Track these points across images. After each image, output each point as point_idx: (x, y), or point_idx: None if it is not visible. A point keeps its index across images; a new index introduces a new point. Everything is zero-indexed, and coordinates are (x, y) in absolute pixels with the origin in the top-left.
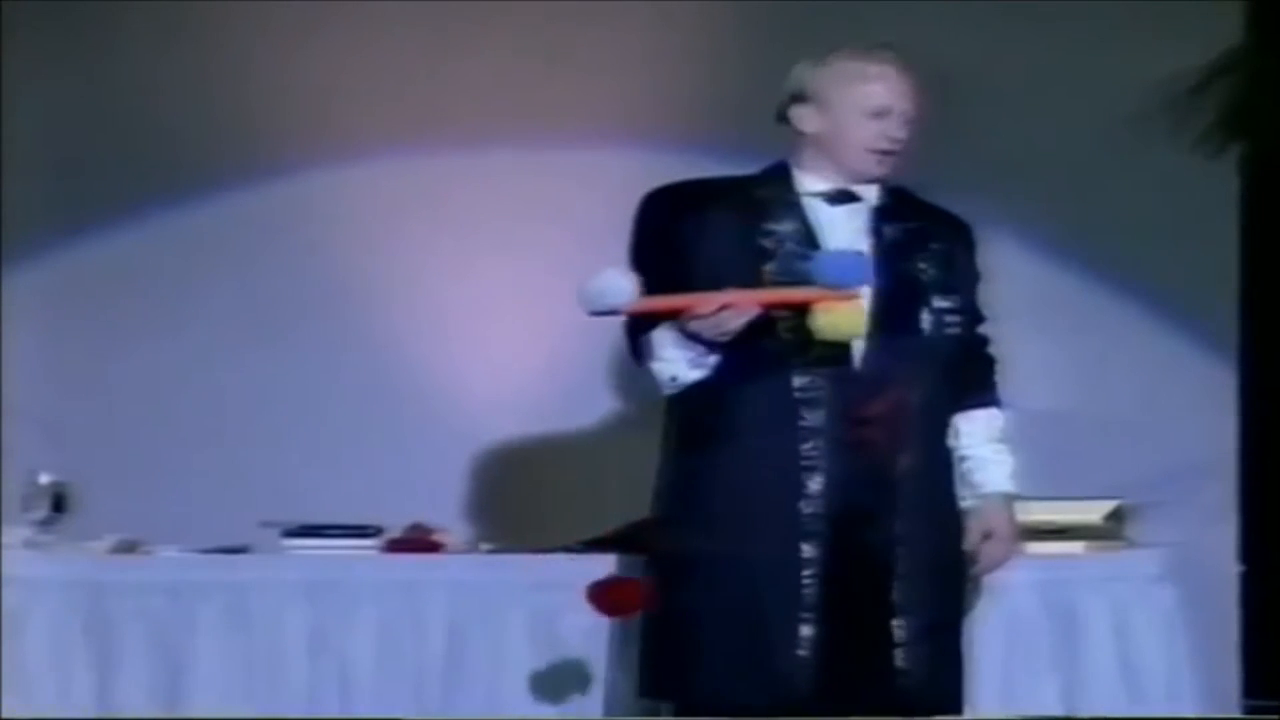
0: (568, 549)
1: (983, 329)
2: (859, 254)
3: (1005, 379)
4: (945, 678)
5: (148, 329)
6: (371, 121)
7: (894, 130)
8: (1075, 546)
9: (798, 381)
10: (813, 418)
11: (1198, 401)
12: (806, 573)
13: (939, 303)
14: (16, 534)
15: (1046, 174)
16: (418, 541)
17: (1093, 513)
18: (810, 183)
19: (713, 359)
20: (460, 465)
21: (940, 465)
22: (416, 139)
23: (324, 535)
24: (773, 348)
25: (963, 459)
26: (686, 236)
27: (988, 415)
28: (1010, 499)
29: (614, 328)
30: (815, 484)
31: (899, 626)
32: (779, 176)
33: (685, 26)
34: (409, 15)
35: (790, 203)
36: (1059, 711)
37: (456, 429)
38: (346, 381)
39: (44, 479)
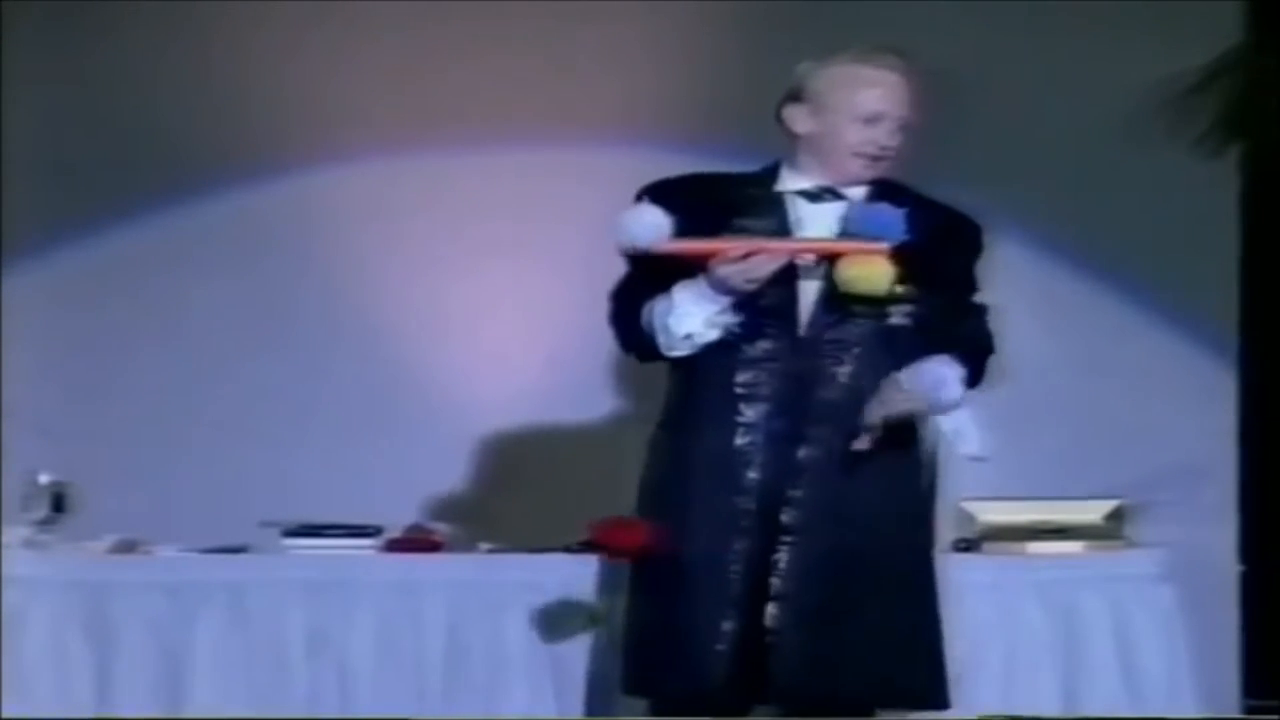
0: (567, 549)
1: (987, 327)
2: (892, 208)
3: (993, 368)
4: (835, 672)
5: (147, 329)
6: (371, 121)
7: (884, 137)
8: (1075, 546)
9: (740, 377)
10: (751, 413)
11: (1198, 401)
12: (734, 567)
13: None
14: (16, 534)
15: (1046, 174)
16: (417, 541)
17: (1093, 513)
18: (795, 180)
19: (727, 319)
20: (460, 465)
21: (858, 459)
22: (416, 139)
23: (324, 535)
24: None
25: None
26: (674, 228)
27: (941, 358)
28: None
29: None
30: (750, 479)
31: (772, 616)
32: (767, 174)
33: (686, 26)
34: (408, 15)
35: (770, 199)
36: (1059, 711)
37: (456, 429)
38: (346, 381)
39: (44, 479)
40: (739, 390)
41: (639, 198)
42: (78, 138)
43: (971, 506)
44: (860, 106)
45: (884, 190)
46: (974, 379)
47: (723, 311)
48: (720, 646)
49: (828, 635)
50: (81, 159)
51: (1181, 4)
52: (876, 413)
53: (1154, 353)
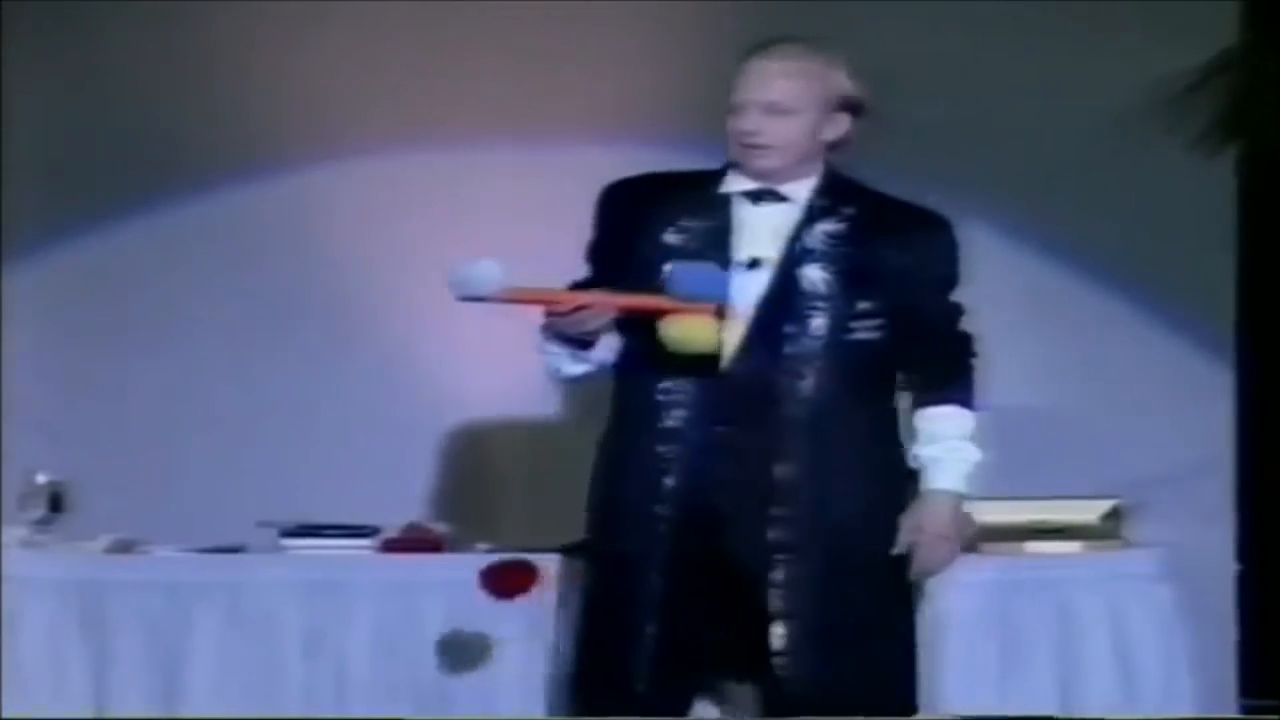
0: (564, 549)
1: (962, 325)
2: (714, 268)
3: (981, 376)
4: (837, 683)
5: (144, 328)
6: (370, 121)
7: (746, 123)
8: (1072, 546)
9: (663, 384)
10: (673, 420)
11: (1195, 401)
12: (655, 573)
13: (855, 305)
14: (13, 533)
15: (1044, 174)
16: (415, 541)
17: (1090, 512)
18: (738, 181)
19: (598, 355)
20: (458, 465)
21: (838, 471)
22: (415, 139)
23: (321, 535)
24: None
25: (914, 458)
26: (621, 229)
27: (945, 413)
28: (954, 498)
29: None
30: (666, 485)
31: (780, 636)
32: (717, 173)
33: (684, 26)
34: (406, 14)
35: (714, 201)
36: (1056, 711)
37: (455, 428)
38: (344, 381)
39: (41, 478)
40: (660, 397)
41: (601, 194)
42: (78, 137)
43: (968, 506)
44: (732, 96)
45: (835, 198)
46: (970, 392)
47: (578, 350)
48: (645, 652)
49: (839, 651)
50: (81, 158)
51: (1179, 4)
52: (920, 573)
53: (1151, 352)
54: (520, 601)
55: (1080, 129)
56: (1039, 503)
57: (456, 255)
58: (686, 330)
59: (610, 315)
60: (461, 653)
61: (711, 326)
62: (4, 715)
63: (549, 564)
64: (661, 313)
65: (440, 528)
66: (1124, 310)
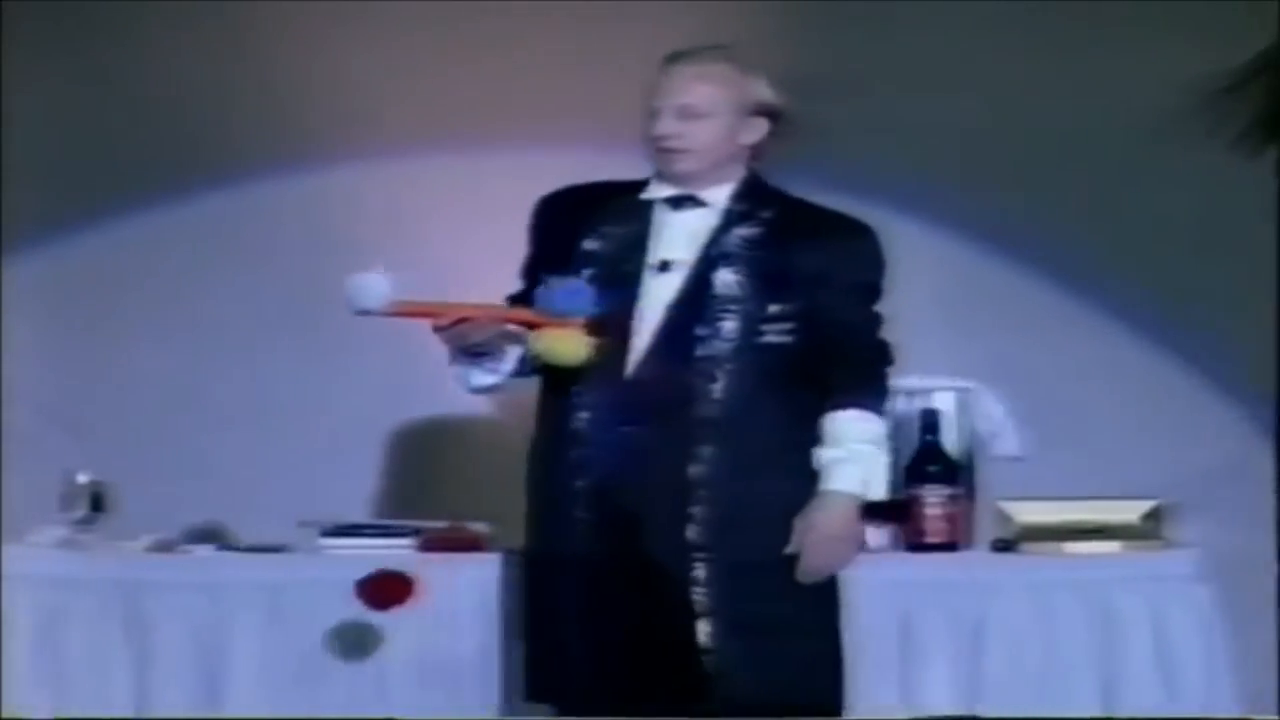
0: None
1: (880, 334)
2: (580, 284)
3: (890, 381)
4: (759, 679)
5: (183, 326)
6: (386, 120)
7: (658, 127)
8: (1112, 546)
9: (575, 386)
10: (579, 422)
11: (1235, 401)
12: (580, 574)
13: (767, 309)
14: (52, 534)
15: (1081, 174)
16: (453, 540)
17: (1130, 512)
18: (658, 187)
19: (505, 367)
20: (495, 464)
21: (751, 471)
22: (430, 138)
23: (361, 534)
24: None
25: (816, 459)
26: (548, 241)
27: (850, 417)
28: (849, 499)
29: None
30: (581, 486)
31: (705, 633)
32: (643, 182)
33: (704, 28)
34: (421, 15)
35: (637, 207)
36: (1096, 712)
37: (489, 427)
38: (375, 381)
39: (82, 478)
40: (573, 399)
41: (533, 210)
42: (99, 133)
43: (1009, 506)
44: (650, 102)
45: (753, 192)
46: (880, 399)
47: (480, 360)
48: (578, 652)
49: (763, 648)
50: (104, 153)
51: (1218, 4)
52: (808, 572)
53: (1192, 352)
54: (396, 612)
55: (1119, 130)
56: (1079, 503)
57: (481, 255)
58: (552, 343)
59: (497, 328)
60: (351, 641)
61: (578, 340)
62: (6, 716)
63: (422, 569)
64: (537, 325)
65: (479, 526)
66: (1163, 310)
